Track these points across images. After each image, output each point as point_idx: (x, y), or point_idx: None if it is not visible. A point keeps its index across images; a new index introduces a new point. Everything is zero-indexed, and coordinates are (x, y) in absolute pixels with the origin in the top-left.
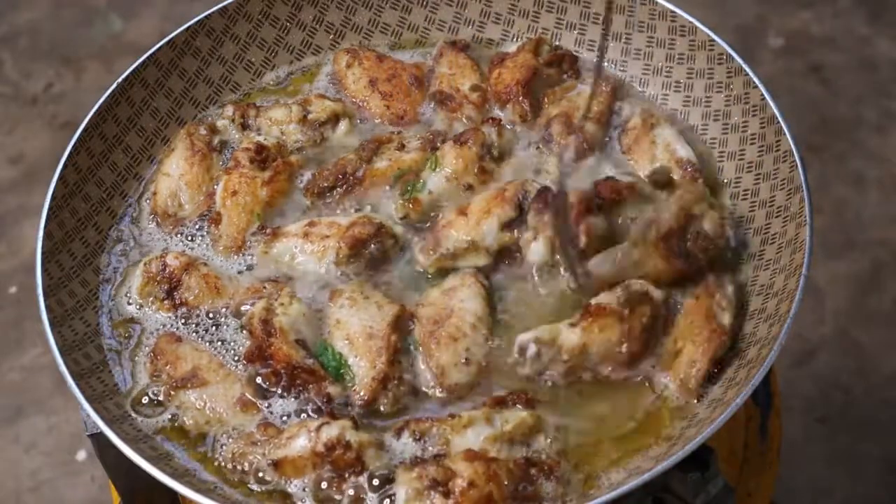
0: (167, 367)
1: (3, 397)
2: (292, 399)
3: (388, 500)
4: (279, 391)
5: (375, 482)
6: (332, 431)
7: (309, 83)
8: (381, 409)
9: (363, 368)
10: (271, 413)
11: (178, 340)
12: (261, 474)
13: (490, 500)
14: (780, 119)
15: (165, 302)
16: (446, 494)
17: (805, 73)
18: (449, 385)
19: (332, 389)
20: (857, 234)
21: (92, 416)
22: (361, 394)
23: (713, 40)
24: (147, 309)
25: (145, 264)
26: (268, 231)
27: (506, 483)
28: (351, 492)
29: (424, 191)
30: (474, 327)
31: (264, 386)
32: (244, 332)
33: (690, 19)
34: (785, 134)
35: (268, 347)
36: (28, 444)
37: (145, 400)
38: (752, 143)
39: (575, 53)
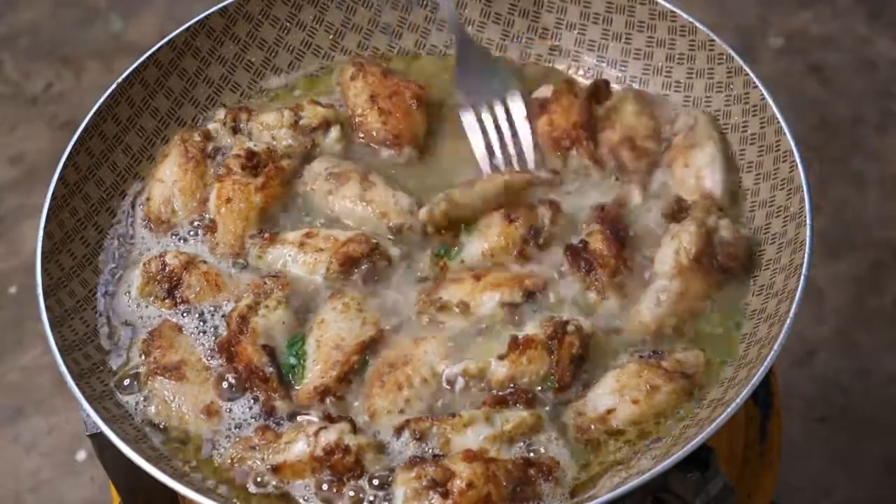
0: (157, 351)
1: (3, 397)
2: (248, 401)
3: (387, 502)
4: (235, 385)
5: (375, 483)
6: (330, 436)
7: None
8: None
9: (314, 374)
10: (232, 420)
11: (179, 330)
12: (260, 478)
13: (489, 500)
14: (780, 119)
15: (166, 301)
16: (445, 495)
17: (805, 73)
18: (375, 426)
19: (279, 404)
20: (857, 234)
21: (92, 416)
22: (298, 396)
23: (713, 40)
24: (148, 308)
25: (144, 264)
26: (266, 235)
27: (504, 484)
28: (351, 493)
29: (457, 258)
30: (425, 382)
31: (231, 385)
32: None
33: (690, 19)
34: (785, 134)
35: (236, 344)
36: (28, 444)
37: (126, 382)
38: (752, 143)
39: (605, 79)
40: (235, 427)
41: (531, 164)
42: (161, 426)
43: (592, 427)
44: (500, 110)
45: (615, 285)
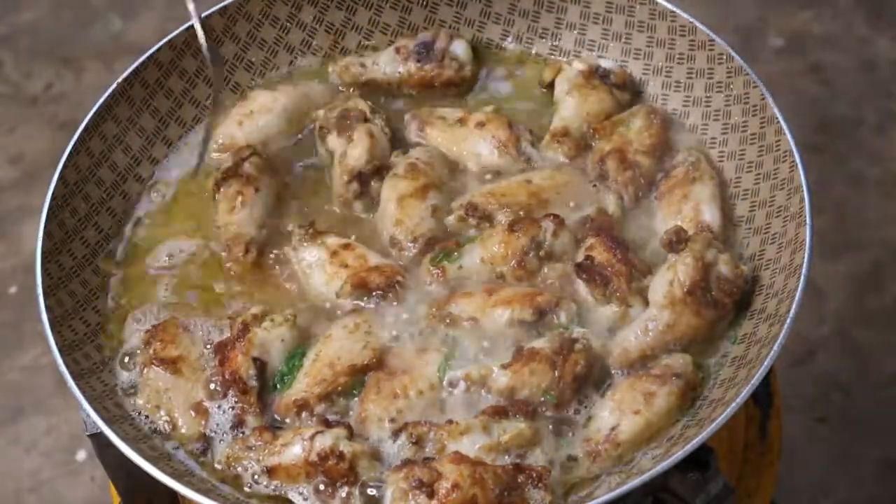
0: (158, 343)
1: (3, 397)
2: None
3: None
4: (219, 389)
5: (371, 492)
6: (325, 441)
7: None
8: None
9: (300, 386)
10: (216, 425)
11: (184, 329)
12: (255, 478)
13: (474, 502)
14: (780, 119)
15: None
16: (430, 495)
17: (805, 73)
18: (364, 432)
19: (249, 418)
20: (857, 234)
21: (92, 416)
22: (279, 406)
23: (713, 40)
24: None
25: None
26: (311, 230)
27: (491, 487)
28: (343, 495)
29: (456, 264)
30: (420, 393)
31: (216, 388)
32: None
33: (690, 19)
34: (785, 134)
35: (231, 349)
36: (28, 444)
37: (126, 359)
38: (752, 143)
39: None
40: (224, 430)
41: None
42: (150, 420)
43: (601, 449)
44: None
45: (635, 291)
